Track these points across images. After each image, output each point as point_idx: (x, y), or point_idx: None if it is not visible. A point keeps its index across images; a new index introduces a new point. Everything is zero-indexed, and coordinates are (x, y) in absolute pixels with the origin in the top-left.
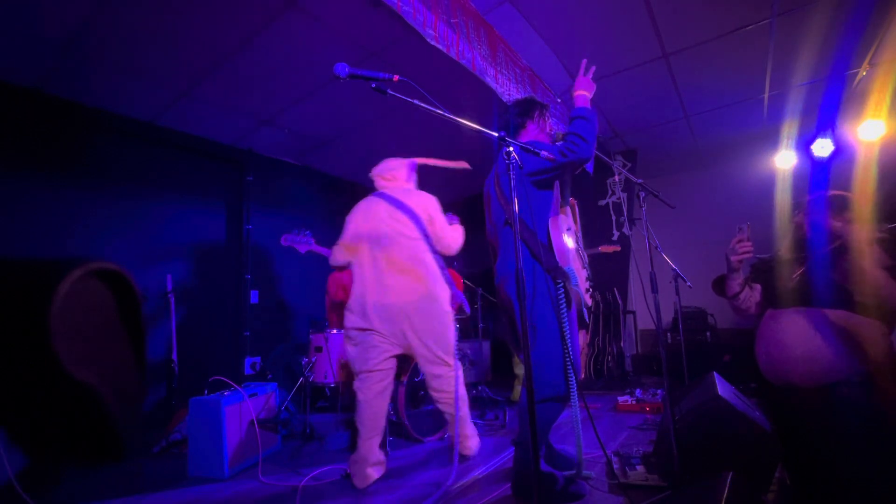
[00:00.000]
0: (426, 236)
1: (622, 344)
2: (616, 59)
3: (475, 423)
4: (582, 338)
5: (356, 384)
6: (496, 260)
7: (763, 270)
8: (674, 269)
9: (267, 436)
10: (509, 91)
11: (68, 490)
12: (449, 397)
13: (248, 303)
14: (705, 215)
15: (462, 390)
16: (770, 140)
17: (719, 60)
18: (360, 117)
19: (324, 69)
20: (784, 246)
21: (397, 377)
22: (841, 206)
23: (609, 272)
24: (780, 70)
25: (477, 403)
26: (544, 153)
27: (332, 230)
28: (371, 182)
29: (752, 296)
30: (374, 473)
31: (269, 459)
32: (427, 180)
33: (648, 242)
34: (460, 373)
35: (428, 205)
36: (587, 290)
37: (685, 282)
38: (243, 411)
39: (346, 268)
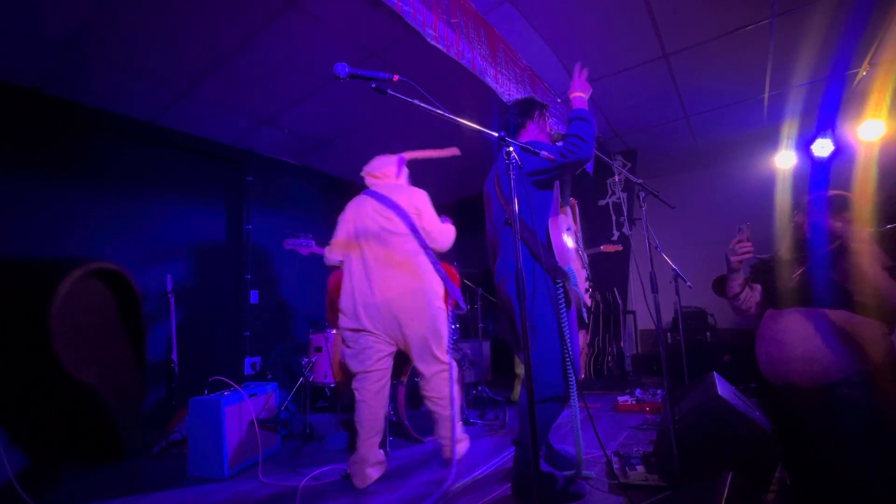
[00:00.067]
0: (415, 232)
1: (622, 344)
2: (616, 59)
3: (475, 424)
4: (582, 338)
5: (354, 384)
6: (496, 260)
7: (763, 270)
8: (674, 269)
9: (267, 436)
10: (509, 91)
11: (68, 490)
12: (440, 395)
13: (248, 303)
14: (705, 215)
15: (455, 390)
16: (770, 140)
17: (719, 60)
18: (360, 117)
19: (324, 69)
20: (784, 246)
21: (397, 377)
22: (841, 206)
23: (609, 272)
24: (780, 70)
25: (477, 403)
26: (544, 153)
27: (332, 230)
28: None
29: (752, 296)
30: (374, 473)
31: (269, 459)
32: (427, 180)
33: (648, 242)
34: (455, 372)
35: (416, 199)
36: (587, 290)
37: (685, 282)
38: (243, 411)
39: (340, 267)
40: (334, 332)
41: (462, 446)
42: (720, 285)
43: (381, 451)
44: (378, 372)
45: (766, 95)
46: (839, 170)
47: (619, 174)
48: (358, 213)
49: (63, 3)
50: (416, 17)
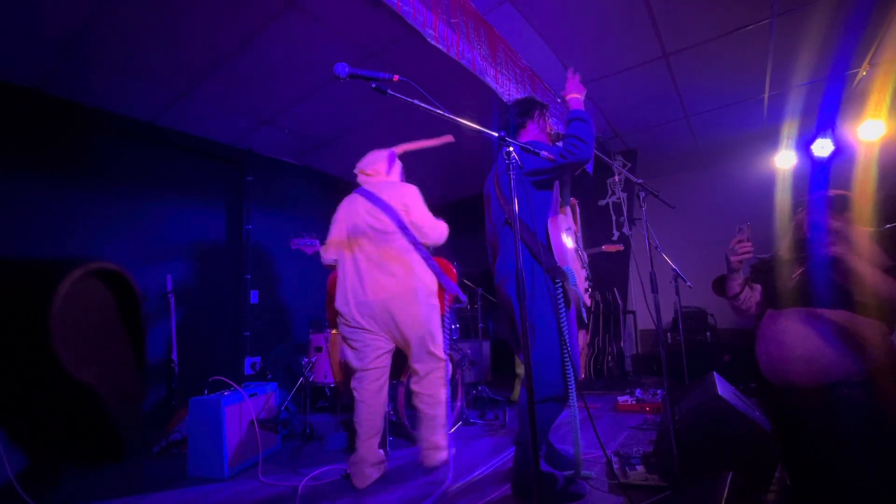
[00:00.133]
0: (404, 229)
1: (622, 344)
2: (616, 59)
3: (475, 424)
4: (582, 338)
5: (352, 384)
6: (495, 260)
7: (763, 270)
8: (674, 269)
9: (267, 436)
10: (509, 91)
11: (68, 490)
12: (430, 392)
13: (248, 303)
14: (705, 215)
15: (446, 392)
16: (770, 140)
17: (719, 60)
18: (360, 117)
19: (324, 69)
20: (784, 246)
21: (397, 377)
22: (841, 206)
23: (609, 272)
24: (780, 70)
25: (477, 403)
26: (544, 153)
27: None
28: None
29: (752, 296)
30: (373, 473)
31: (269, 459)
32: (427, 180)
33: (648, 242)
34: (448, 373)
35: (404, 195)
36: (586, 290)
37: (685, 282)
38: (243, 411)
39: (336, 266)
40: (334, 332)
41: (441, 456)
42: (720, 285)
43: (381, 451)
44: (376, 370)
45: (766, 95)
46: (839, 170)
47: (619, 174)
48: (349, 213)
49: (63, 3)
50: (416, 17)
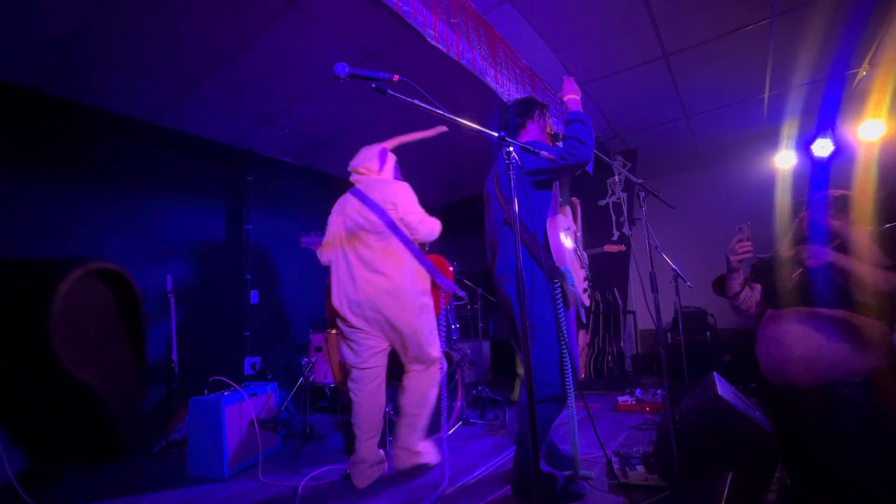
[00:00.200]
0: (393, 227)
1: (622, 344)
2: (616, 59)
3: (475, 424)
4: (581, 338)
5: (350, 384)
6: (495, 260)
7: (763, 270)
8: (674, 269)
9: (267, 436)
10: (509, 91)
11: (68, 490)
12: (419, 391)
13: (248, 303)
14: (705, 215)
15: (435, 394)
16: (770, 140)
17: (719, 60)
18: (360, 117)
19: (324, 69)
20: (784, 246)
21: (397, 379)
22: (841, 206)
23: (609, 272)
24: (780, 70)
25: (477, 403)
26: (544, 153)
27: None
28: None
29: (752, 296)
30: (374, 473)
31: (269, 459)
32: (427, 181)
33: (648, 242)
34: (443, 373)
35: (394, 193)
36: (585, 291)
37: (685, 282)
38: (243, 411)
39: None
40: (333, 332)
41: (417, 459)
42: (720, 285)
43: (381, 451)
44: (373, 370)
45: (766, 95)
46: (839, 170)
47: (619, 174)
48: (341, 214)
49: (63, 3)
50: (416, 17)
